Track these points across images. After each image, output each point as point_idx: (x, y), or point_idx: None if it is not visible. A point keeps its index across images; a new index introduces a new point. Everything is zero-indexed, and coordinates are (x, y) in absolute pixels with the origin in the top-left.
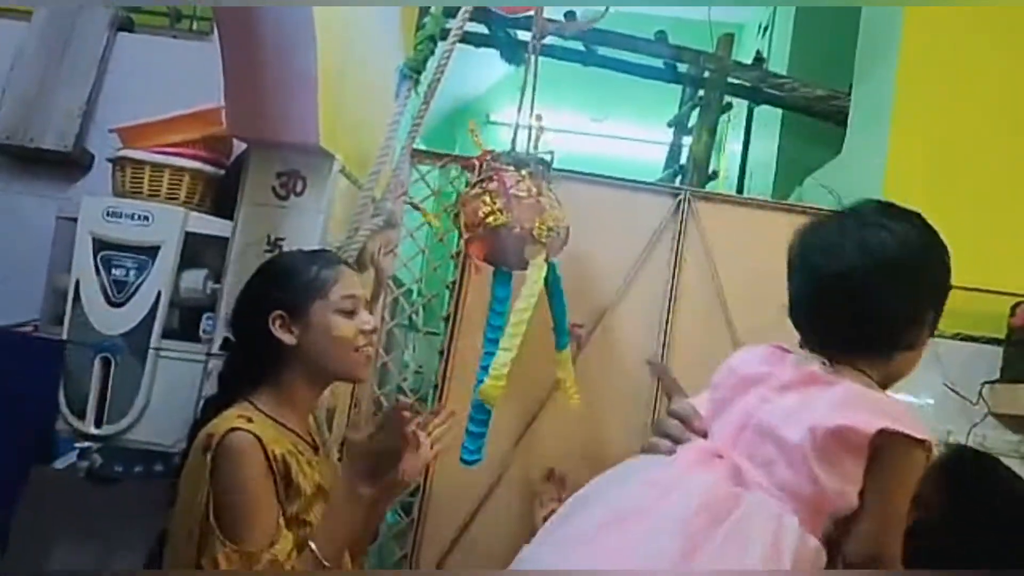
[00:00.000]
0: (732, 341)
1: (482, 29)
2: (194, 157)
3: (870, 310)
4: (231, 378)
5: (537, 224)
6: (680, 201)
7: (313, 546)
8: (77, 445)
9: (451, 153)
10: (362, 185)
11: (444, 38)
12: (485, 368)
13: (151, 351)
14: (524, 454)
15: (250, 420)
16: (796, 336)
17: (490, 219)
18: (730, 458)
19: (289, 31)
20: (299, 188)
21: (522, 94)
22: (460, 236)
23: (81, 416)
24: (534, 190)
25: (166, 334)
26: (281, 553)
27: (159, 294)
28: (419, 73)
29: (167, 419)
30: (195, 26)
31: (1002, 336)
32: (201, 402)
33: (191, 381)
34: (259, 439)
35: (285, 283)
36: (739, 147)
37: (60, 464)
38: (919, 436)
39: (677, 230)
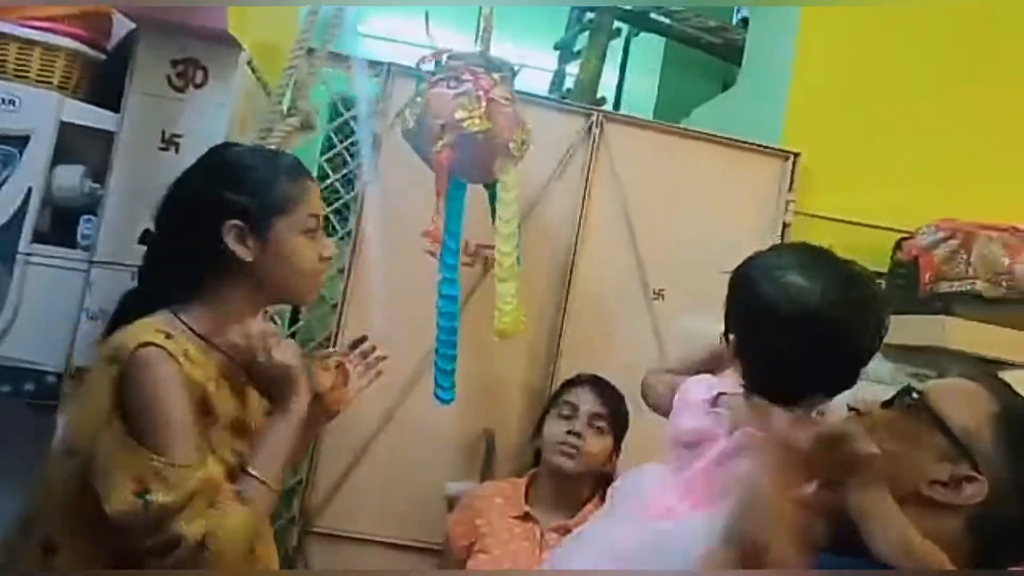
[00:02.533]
0: (638, 266)
1: None
2: (70, 35)
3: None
4: (155, 281)
5: (515, 136)
6: (591, 123)
7: (255, 472)
8: None
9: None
10: (267, 82)
11: None
12: (446, 297)
13: (19, 256)
14: (426, 375)
15: (168, 336)
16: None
17: (467, 123)
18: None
19: None
20: (199, 79)
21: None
22: (413, 139)
23: None
24: (508, 97)
25: (37, 238)
26: (216, 476)
27: (29, 191)
28: None
29: (40, 334)
30: None
31: (883, 270)
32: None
33: (69, 292)
34: (174, 358)
35: (245, 188)
36: (613, 77)
37: None
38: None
39: (588, 153)
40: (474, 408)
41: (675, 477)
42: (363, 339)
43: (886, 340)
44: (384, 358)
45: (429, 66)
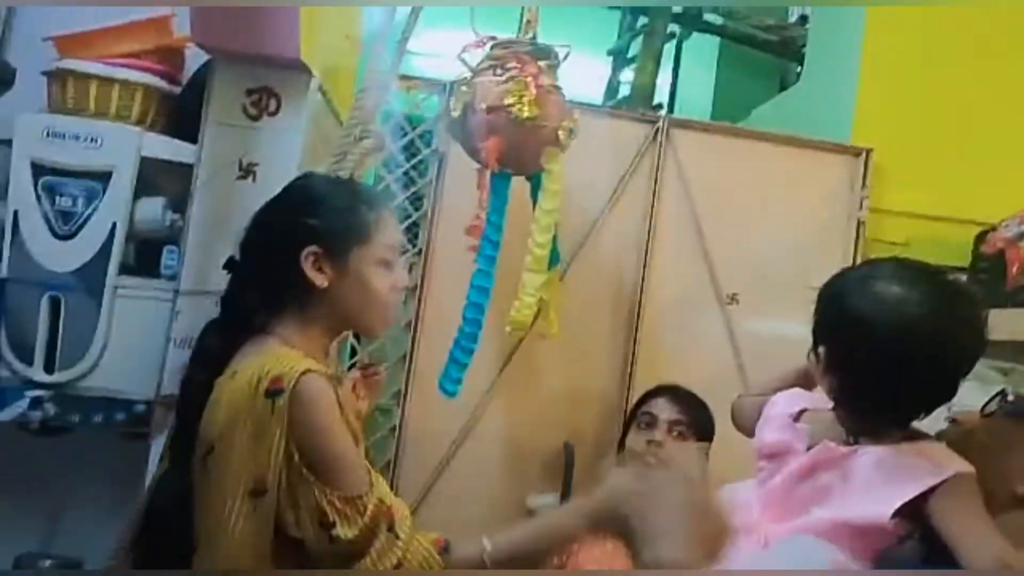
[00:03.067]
0: (710, 271)
1: None
2: (147, 70)
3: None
4: (245, 306)
5: (563, 125)
6: (657, 129)
7: (488, 545)
8: (28, 394)
9: (424, 77)
10: (336, 106)
11: None
12: (477, 288)
13: (107, 289)
14: (503, 388)
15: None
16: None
17: (515, 109)
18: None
19: None
20: (272, 107)
21: None
22: (458, 129)
23: (28, 362)
24: (556, 85)
25: (122, 270)
26: (386, 496)
27: (114, 225)
28: None
29: (130, 364)
30: None
31: (965, 264)
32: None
33: (155, 322)
34: (331, 384)
35: (322, 216)
36: (664, 81)
37: (5, 416)
38: (940, 479)
39: (655, 159)
40: (552, 421)
41: (759, 489)
42: (370, 365)
43: None
44: (378, 371)
45: (473, 56)
